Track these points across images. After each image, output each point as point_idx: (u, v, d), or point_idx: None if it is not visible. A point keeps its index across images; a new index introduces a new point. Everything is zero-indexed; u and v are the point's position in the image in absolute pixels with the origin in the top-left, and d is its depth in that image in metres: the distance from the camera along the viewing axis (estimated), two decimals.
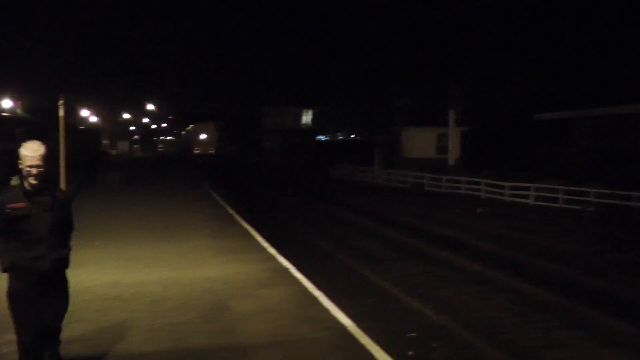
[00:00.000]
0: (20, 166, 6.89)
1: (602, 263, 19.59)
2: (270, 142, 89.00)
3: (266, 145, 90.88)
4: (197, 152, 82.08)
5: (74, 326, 10.49)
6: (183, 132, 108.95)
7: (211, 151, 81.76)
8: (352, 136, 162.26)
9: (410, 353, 11.64)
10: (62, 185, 26.51)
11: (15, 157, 7.05)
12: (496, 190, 37.02)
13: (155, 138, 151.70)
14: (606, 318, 13.38)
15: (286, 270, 15.14)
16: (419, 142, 54.29)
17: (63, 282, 7.59)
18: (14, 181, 7.01)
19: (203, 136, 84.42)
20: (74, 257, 16.45)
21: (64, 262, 7.48)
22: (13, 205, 6.86)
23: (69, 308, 11.47)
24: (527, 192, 34.59)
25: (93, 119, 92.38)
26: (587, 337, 12.56)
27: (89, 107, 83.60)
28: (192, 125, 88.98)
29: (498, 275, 17.63)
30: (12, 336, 10.16)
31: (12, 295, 7.14)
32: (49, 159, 6.98)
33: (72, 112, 67.59)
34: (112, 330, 10.37)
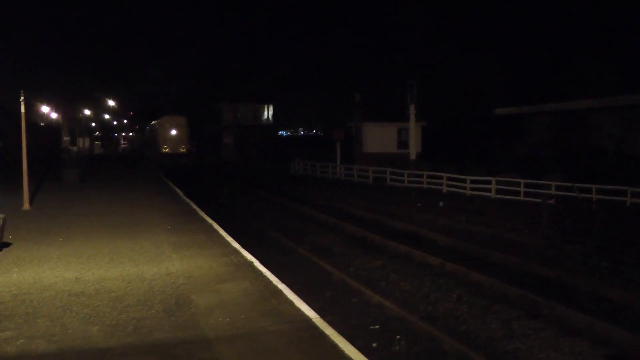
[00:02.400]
0: None
1: (559, 255, 19.94)
2: (229, 138, 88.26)
3: (226, 142, 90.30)
4: (165, 150, 69.46)
5: (38, 322, 10.51)
6: (147, 127, 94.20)
7: (182, 149, 69.95)
8: (314, 131, 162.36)
9: (374, 345, 11.81)
10: (24, 182, 26.35)
11: None
12: (457, 184, 37.31)
13: (116, 134, 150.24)
14: (563, 308, 13.64)
15: (250, 264, 15.22)
16: (380, 137, 54.47)
17: None
18: None
19: (173, 132, 70.40)
20: (37, 253, 16.44)
21: None
22: None
23: (32, 304, 11.53)
24: (488, 186, 34.92)
25: (53, 115, 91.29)
26: (545, 327, 12.83)
27: (48, 104, 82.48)
28: (158, 120, 75.64)
29: (458, 268, 17.83)
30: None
31: None
32: None
33: (31, 109, 66.64)
34: (77, 325, 10.38)
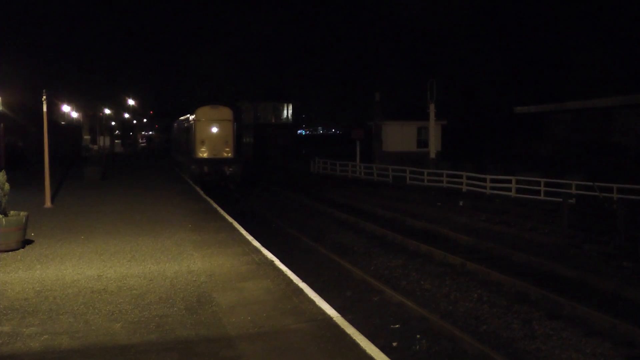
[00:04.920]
0: None
1: (580, 255, 19.84)
2: (249, 137, 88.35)
3: (245, 141, 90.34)
4: (203, 155, 46.45)
5: (61, 319, 10.60)
6: (174, 124, 69.91)
7: (227, 154, 46.36)
8: (333, 130, 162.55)
9: (394, 344, 11.83)
10: (46, 180, 26.55)
11: None
12: (477, 183, 37.18)
13: (131, 133, 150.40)
14: (585, 308, 13.58)
15: (271, 262, 15.24)
16: (400, 135, 54.51)
17: None
18: None
19: (214, 129, 47.56)
20: (59, 250, 16.55)
21: None
22: None
23: (56, 301, 11.63)
24: (508, 185, 34.78)
25: (74, 114, 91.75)
26: (566, 328, 12.78)
27: (69, 103, 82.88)
28: (192, 113, 51.38)
29: (478, 267, 17.80)
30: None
31: None
32: None
33: (52, 108, 66.98)
34: (99, 322, 10.46)
